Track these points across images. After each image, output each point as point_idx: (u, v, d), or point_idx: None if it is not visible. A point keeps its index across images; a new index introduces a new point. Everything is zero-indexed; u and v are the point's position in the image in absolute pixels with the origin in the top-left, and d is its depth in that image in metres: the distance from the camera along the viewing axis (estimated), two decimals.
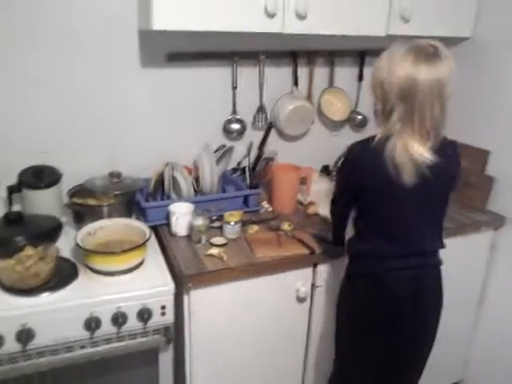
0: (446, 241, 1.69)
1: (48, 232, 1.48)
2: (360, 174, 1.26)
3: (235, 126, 1.92)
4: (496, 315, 1.95)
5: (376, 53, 2.03)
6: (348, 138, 2.17)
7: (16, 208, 1.62)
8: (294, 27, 1.55)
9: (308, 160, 1.99)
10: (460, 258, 1.82)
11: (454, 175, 1.30)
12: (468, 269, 1.88)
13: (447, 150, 1.23)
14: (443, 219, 1.35)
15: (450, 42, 1.95)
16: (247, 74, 1.88)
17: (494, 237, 1.88)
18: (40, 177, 1.59)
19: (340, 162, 1.41)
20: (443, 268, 1.36)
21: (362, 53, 2.04)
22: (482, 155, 1.87)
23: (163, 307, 1.35)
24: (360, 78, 2.08)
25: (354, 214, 1.37)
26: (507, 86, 1.80)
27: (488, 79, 1.87)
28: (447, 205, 1.33)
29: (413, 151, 1.15)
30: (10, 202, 1.60)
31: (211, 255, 1.45)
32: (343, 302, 1.42)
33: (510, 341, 1.90)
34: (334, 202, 1.44)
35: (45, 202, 1.60)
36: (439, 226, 1.35)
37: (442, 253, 1.39)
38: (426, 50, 1.14)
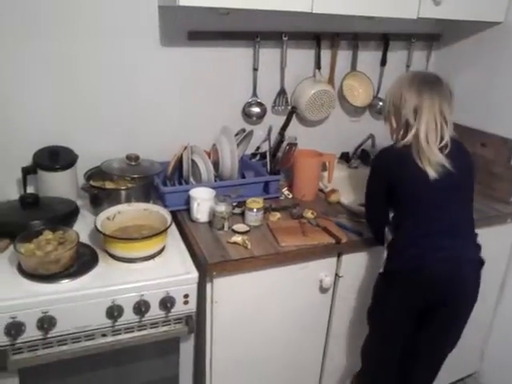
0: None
1: (65, 216, 1.43)
2: (389, 171, 1.36)
3: (255, 110, 1.86)
4: None
5: (401, 37, 2.00)
6: (368, 124, 2.13)
7: (30, 190, 1.57)
8: (325, 7, 1.47)
9: (326, 146, 1.94)
10: (483, 249, 1.77)
11: (469, 164, 1.39)
12: (490, 261, 1.83)
13: (456, 147, 1.34)
14: (472, 213, 1.40)
15: (479, 27, 1.90)
16: (269, 56, 1.81)
17: None
18: (56, 158, 1.53)
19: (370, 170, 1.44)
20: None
21: (386, 36, 1.97)
22: (509, 144, 1.82)
23: (186, 296, 1.31)
24: (383, 62, 2.01)
25: (391, 215, 1.41)
26: None
27: None
28: (472, 197, 1.40)
29: (430, 153, 1.29)
30: (25, 184, 1.54)
31: (235, 243, 1.40)
32: (378, 298, 1.43)
33: None
34: (370, 205, 1.47)
35: (60, 185, 1.55)
36: (470, 220, 1.39)
37: None
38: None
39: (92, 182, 1.55)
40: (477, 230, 1.65)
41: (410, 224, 1.34)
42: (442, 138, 1.31)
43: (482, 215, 1.71)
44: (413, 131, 1.30)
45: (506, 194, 1.82)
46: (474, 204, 1.41)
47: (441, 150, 1.30)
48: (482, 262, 1.38)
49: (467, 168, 1.37)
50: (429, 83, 1.32)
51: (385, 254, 1.40)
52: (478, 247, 1.39)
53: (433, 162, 1.29)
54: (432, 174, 1.28)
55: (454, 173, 1.29)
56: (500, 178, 1.84)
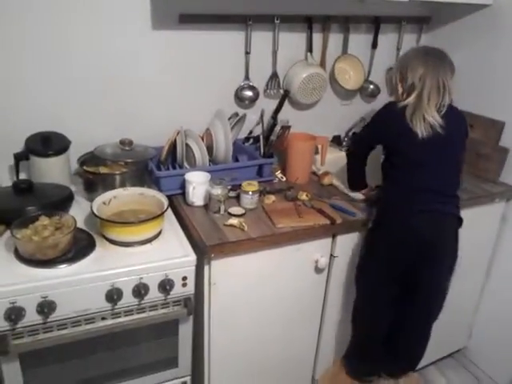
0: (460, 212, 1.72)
1: (60, 201, 1.42)
2: (388, 129, 1.48)
3: (248, 93, 1.86)
4: (502, 286, 1.99)
5: (391, 20, 2.01)
6: (359, 108, 2.14)
7: (22, 177, 1.55)
8: None
9: (318, 129, 1.95)
10: (472, 228, 1.82)
11: (463, 129, 1.49)
12: (479, 239, 1.90)
13: (453, 112, 1.45)
14: (457, 176, 1.49)
15: (468, 9, 1.92)
16: (261, 39, 1.80)
17: (506, 208, 1.89)
18: (48, 144, 1.51)
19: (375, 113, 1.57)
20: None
21: (377, 19, 1.97)
22: (497, 126, 1.85)
23: (184, 278, 1.32)
24: (374, 45, 2.02)
25: (385, 166, 1.51)
26: None
27: (505, 49, 1.83)
28: (462, 160, 1.50)
29: (427, 111, 1.40)
30: (17, 171, 1.52)
31: (232, 225, 1.41)
32: (369, 246, 1.52)
33: None
34: (358, 142, 1.64)
35: (53, 171, 1.53)
36: (455, 181, 1.48)
37: None
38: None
39: (86, 168, 1.54)
40: (467, 210, 1.74)
41: (399, 178, 1.45)
42: (441, 101, 1.42)
43: (471, 195, 1.75)
44: (416, 92, 1.41)
45: (495, 174, 1.86)
46: (463, 170, 1.52)
47: (438, 111, 1.41)
48: (460, 220, 1.48)
49: (460, 132, 1.48)
50: (434, 56, 1.46)
51: (373, 211, 1.52)
52: (458, 207, 1.48)
53: (426, 120, 1.39)
54: (421, 132, 1.38)
55: (444, 134, 1.39)
56: (488, 159, 1.87)
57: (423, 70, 1.41)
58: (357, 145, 1.66)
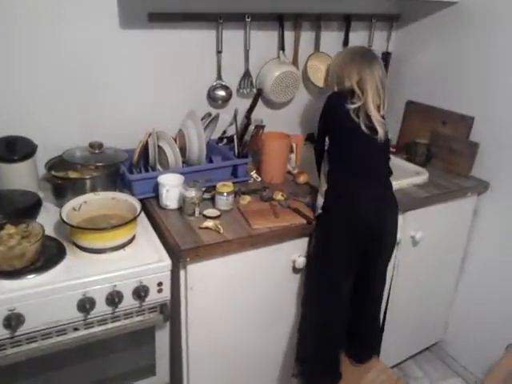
0: (433, 207, 1.77)
1: (27, 208, 1.36)
2: (332, 117, 1.50)
3: (220, 93, 1.83)
4: (476, 278, 2.02)
5: (362, 17, 2.02)
6: None
7: None
8: None
9: (292, 128, 1.95)
10: (445, 222, 1.86)
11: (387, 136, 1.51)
12: (452, 233, 1.93)
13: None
14: (389, 167, 1.55)
15: (436, 7, 1.94)
16: (232, 38, 1.78)
17: (478, 202, 1.92)
18: (13, 148, 1.45)
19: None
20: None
21: (348, 17, 1.98)
22: (467, 122, 1.89)
23: (160, 284, 1.28)
24: (345, 42, 2.02)
25: (330, 152, 1.50)
26: (491, 52, 1.80)
27: (472, 46, 1.86)
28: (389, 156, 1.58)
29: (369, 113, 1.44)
30: None
31: (207, 228, 1.39)
32: (320, 235, 1.48)
33: (488, 303, 1.98)
34: (317, 138, 1.62)
35: (19, 176, 1.47)
36: (388, 172, 1.53)
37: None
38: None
39: (54, 173, 1.49)
40: (440, 205, 1.79)
41: (346, 164, 1.46)
42: (382, 101, 1.47)
43: (443, 190, 1.78)
44: (361, 101, 1.43)
45: (466, 169, 1.89)
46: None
47: (378, 110, 1.45)
48: (397, 204, 1.51)
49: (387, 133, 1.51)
50: (368, 58, 1.49)
51: (321, 199, 1.50)
52: (393, 193, 1.52)
53: (369, 118, 1.43)
54: (365, 127, 1.42)
55: (380, 132, 1.44)
56: (460, 154, 1.90)
57: (361, 75, 1.44)
58: (316, 140, 1.65)
